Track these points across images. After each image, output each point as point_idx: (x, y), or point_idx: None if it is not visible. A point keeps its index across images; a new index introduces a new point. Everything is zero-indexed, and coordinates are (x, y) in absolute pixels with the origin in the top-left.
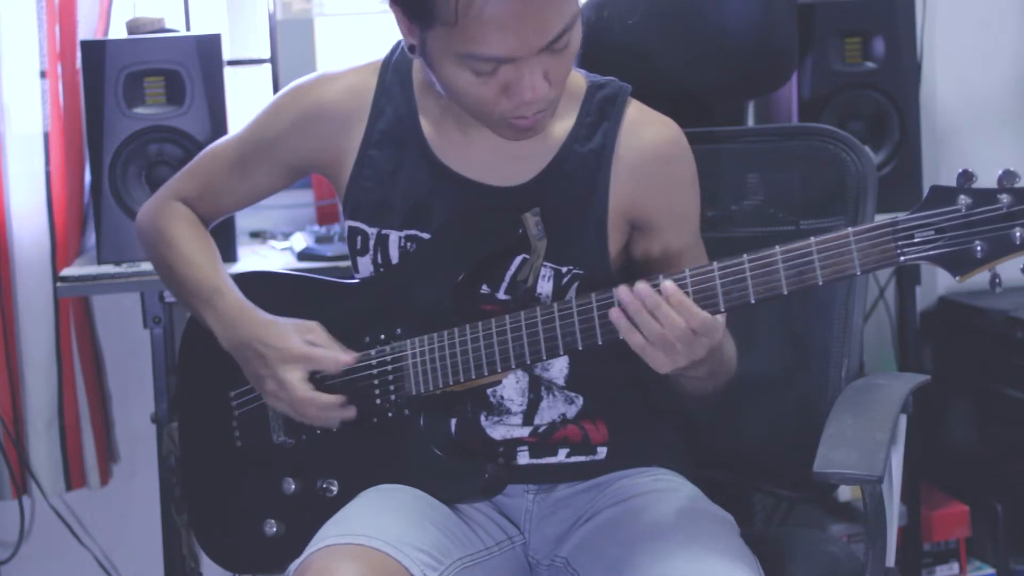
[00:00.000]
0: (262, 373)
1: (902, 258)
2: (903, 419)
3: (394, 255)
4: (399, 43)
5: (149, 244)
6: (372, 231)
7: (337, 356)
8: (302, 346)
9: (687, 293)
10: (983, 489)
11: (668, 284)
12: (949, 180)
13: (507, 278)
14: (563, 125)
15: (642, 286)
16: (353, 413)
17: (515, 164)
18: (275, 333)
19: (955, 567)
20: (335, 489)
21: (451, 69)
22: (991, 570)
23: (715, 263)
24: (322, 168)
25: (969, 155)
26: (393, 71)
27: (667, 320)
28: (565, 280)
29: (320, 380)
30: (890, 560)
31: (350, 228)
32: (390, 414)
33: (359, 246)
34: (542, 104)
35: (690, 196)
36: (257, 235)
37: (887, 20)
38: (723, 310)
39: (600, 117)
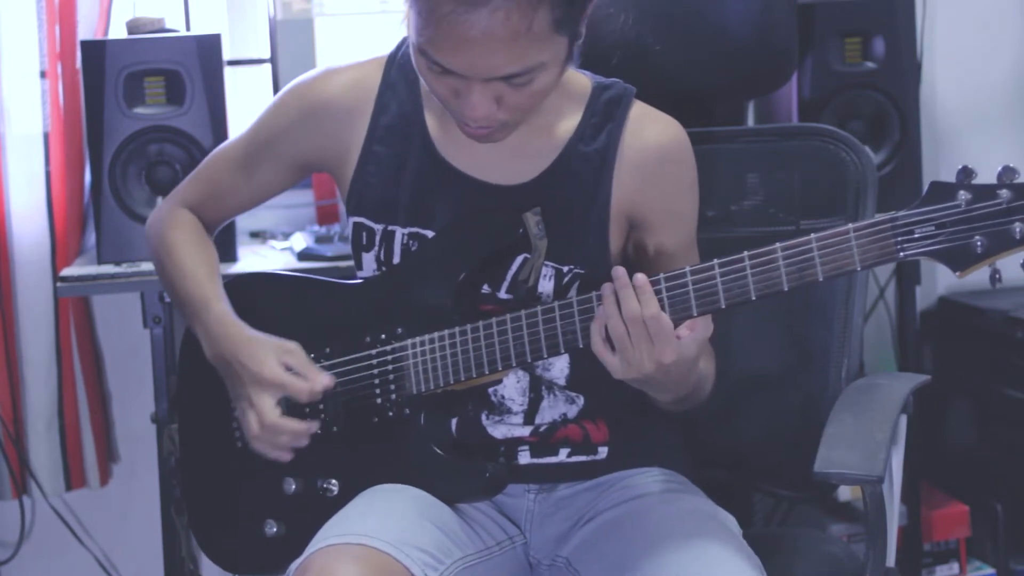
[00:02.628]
0: (239, 392)
1: (902, 254)
2: (903, 419)
3: (397, 253)
4: (405, 39)
5: (153, 252)
6: (378, 227)
7: (309, 386)
8: (276, 370)
9: (687, 290)
10: (983, 489)
11: (639, 276)
12: (949, 180)
13: (508, 277)
14: (567, 125)
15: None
16: (304, 443)
17: (519, 163)
18: (252, 353)
19: (955, 567)
20: (335, 489)
21: (415, 52)
22: (991, 570)
23: (715, 260)
24: (326, 164)
25: (969, 155)
26: (398, 67)
27: (625, 303)
28: (566, 279)
29: (295, 404)
30: (890, 560)
31: (354, 224)
32: (391, 413)
33: (364, 242)
34: (487, 123)
35: (689, 197)
36: (257, 235)
37: (887, 20)
38: (724, 306)
39: (605, 118)
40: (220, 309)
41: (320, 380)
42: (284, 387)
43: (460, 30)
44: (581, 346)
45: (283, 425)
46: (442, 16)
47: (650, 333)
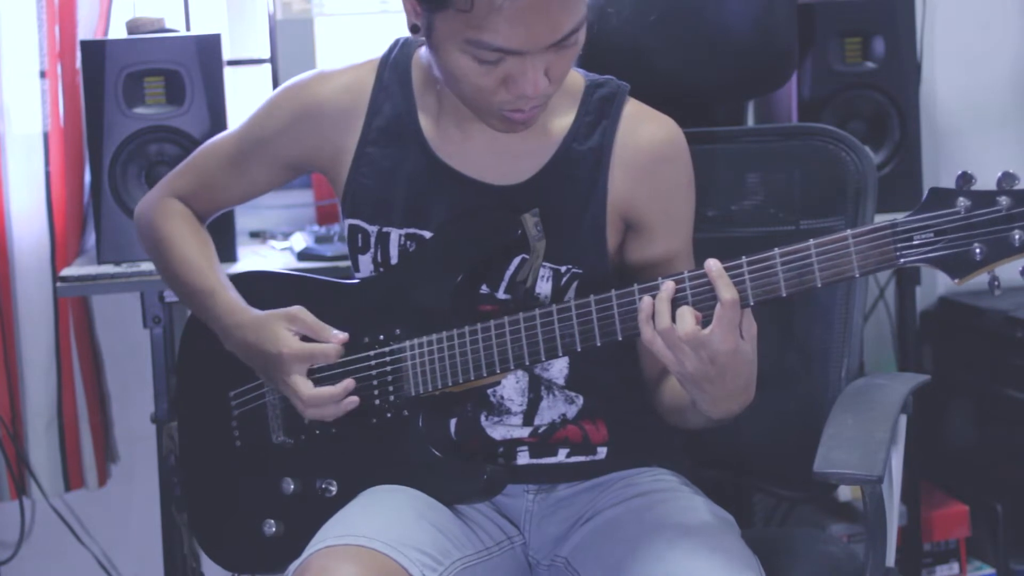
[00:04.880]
0: (272, 376)
1: (901, 260)
2: (903, 419)
3: (394, 254)
4: (397, 41)
5: (147, 242)
6: (373, 229)
7: (329, 345)
8: (294, 344)
9: (685, 295)
10: (983, 489)
11: (711, 262)
12: (949, 180)
13: (506, 278)
14: (562, 123)
15: (666, 325)
16: (356, 400)
17: (514, 162)
18: (266, 336)
19: (955, 567)
20: (334, 489)
21: (454, 54)
22: (991, 570)
23: None
24: (320, 165)
25: (969, 155)
26: (391, 69)
27: (686, 357)
28: (564, 280)
29: (320, 370)
30: (890, 560)
31: (350, 226)
32: (389, 415)
33: (360, 244)
34: (540, 100)
35: (685, 198)
36: (257, 235)
37: (887, 20)
38: None
39: (599, 116)
40: (225, 298)
41: (337, 335)
42: (310, 357)
43: (522, 3)
44: (579, 350)
45: (321, 395)
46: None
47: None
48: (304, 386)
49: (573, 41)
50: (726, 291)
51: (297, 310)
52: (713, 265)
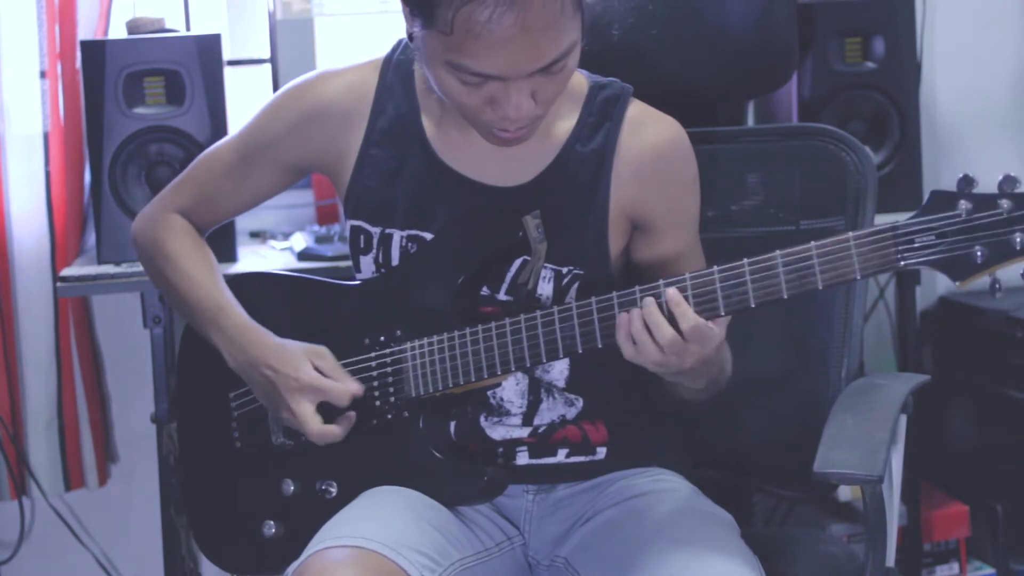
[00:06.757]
0: (274, 399)
1: (902, 263)
2: (903, 419)
3: (395, 256)
4: (400, 41)
5: (147, 258)
6: (375, 230)
7: (346, 388)
8: (313, 375)
9: (687, 297)
10: (983, 489)
11: (671, 292)
12: (949, 180)
13: (507, 280)
14: (565, 125)
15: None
16: (353, 414)
17: (516, 164)
18: (285, 358)
19: (955, 567)
20: (334, 491)
21: (441, 71)
22: (991, 570)
23: (715, 267)
24: (323, 167)
25: (969, 155)
26: (395, 69)
27: (658, 331)
28: (565, 281)
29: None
30: (890, 560)
31: (352, 227)
32: (390, 416)
33: (362, 245)
34: (525, 121)
35: (690, 197)
36: (257, 235)
37: (887, 20)
38: (723, 313)
39: (602, 118)
40: (237, 315)
41: (354, 384)
42: (324, 392)
43: (501, 32)
44: (581, 351)
45: (328, 433)
46: (479, 24)
47: (689, 341)
48: (314, 421)
49: (560, 67)
50: (684, 321)
51: (323, 349)
52: (673, 295)
